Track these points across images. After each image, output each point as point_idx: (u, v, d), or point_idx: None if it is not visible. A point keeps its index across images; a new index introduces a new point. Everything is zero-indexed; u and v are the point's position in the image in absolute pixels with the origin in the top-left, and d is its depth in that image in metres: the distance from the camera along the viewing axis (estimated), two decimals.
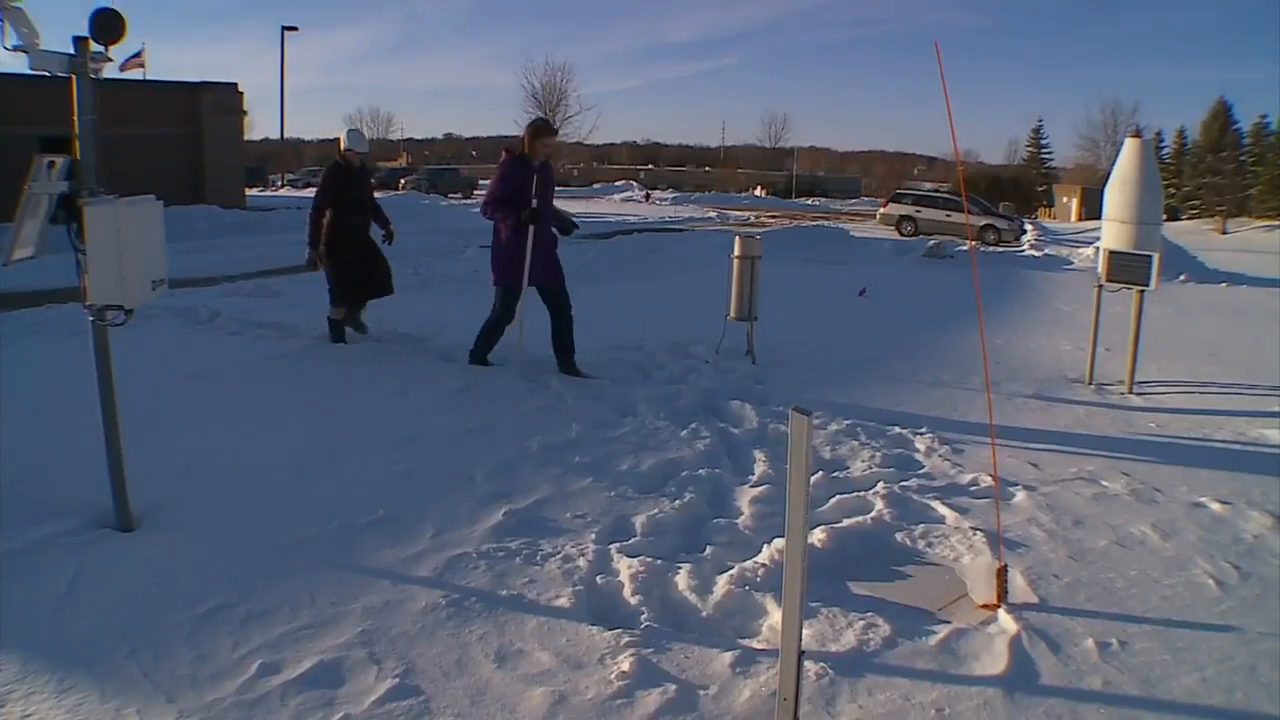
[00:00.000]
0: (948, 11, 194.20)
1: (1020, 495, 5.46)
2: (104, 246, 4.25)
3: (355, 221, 9.17)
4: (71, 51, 4.28)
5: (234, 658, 3.54)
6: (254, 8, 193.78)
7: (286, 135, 65.51)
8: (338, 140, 9.45)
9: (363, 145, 9.34)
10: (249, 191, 38.89)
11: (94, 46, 4.32)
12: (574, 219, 8.48)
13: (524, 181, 7.74)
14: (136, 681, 3.37)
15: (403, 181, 59.97)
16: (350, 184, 9.16)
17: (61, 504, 4.76)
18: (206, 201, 28.83)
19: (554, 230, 8.12)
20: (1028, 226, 37.63)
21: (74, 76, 4.30)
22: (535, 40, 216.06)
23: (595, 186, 74.54)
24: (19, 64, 4.25)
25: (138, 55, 30.41)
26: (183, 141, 32.04)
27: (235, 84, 34.48)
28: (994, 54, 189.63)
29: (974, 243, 31.73)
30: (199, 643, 3.64)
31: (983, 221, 34.95)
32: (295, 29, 53.40)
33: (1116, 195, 8.29)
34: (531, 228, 7.70)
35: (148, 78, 32.05)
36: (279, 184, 59.85)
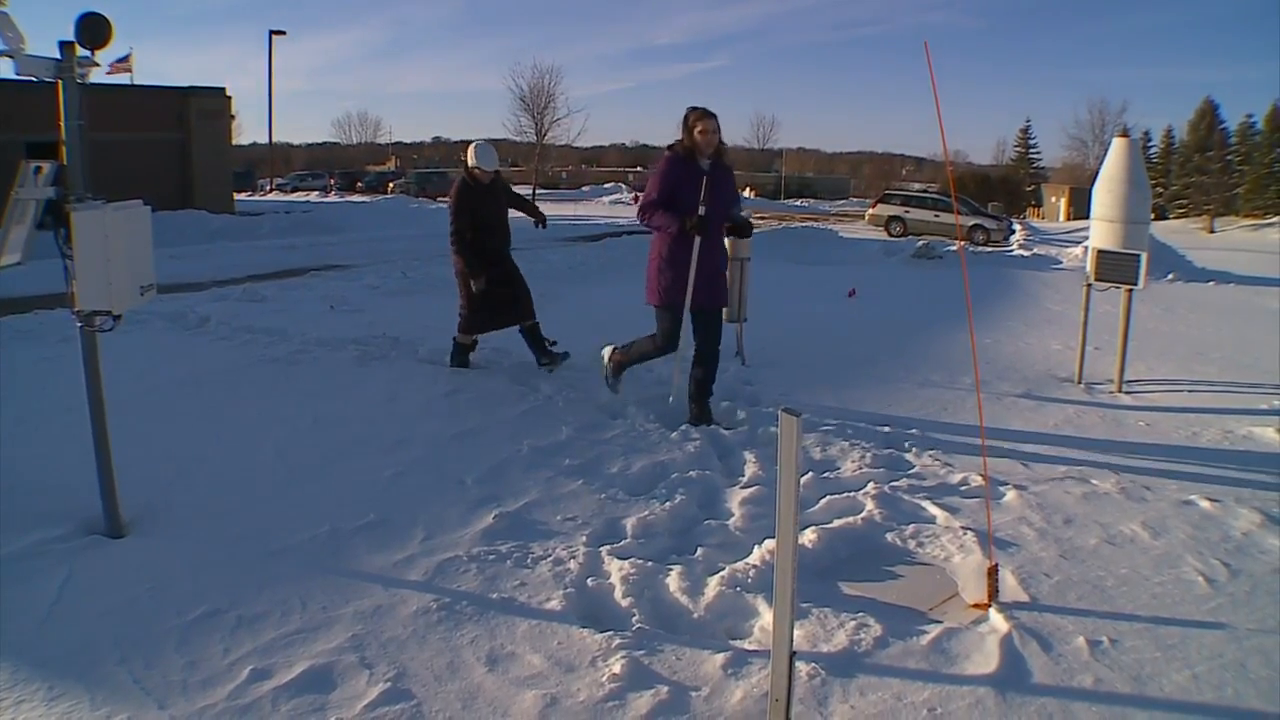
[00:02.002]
0: (935, 12, 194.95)
1: (1010, 494, 5.47)
2: (92, 252, 4.23)
3: (492, 242, 8.34)
4: (58, 56, 4.27)
5: (225, 664, 3.54)
6: (241, 12, 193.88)
7: (275, 139, 65.42)
8: (465, 155, 8.58)
9: (492, 163, 8.38)
10: (237, 196, 38.83)
11: (80, 51, 4.31)
12: (749, 220, 7.37)
13: (686, 182, 6.61)
14: (127, 688, 3.36)
15: (391, 185, 59.98)
16: (483, 202, 8.32)
17: (51, 510, 4.75)
18: (195, 206, 28.78)
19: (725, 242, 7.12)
20: (1016, 226, 37.82)
21: (60, 81, 4.29)
22: (523, 43, 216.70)
23: (584, 189, 74.53)
24: (5, 69, 4.24)
25: (125, 59, 30.39)
26: (170, 146, 31.99)
27: (223, 88, 34.51)
28: (982, 54, 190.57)
29: (963, 243, 31.81)
30: (190, 649, 3.63)
31: (971, 221, 35.11)
32: (283, 33, 53.46)
33: (1104, 194, 8.31)
34: (698, 239, 6.57)
35: (135, 82, 32.05)
36: (268, 188, 59.76)
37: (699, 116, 6.60)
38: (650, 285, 6.84)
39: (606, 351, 7.39)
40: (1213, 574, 4.47)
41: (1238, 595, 4.28)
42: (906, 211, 36.21)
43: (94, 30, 4.31)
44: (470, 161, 8.34)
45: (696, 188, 6.53)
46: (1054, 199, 70.74)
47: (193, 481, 5.37)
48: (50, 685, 3.35)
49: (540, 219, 8.85)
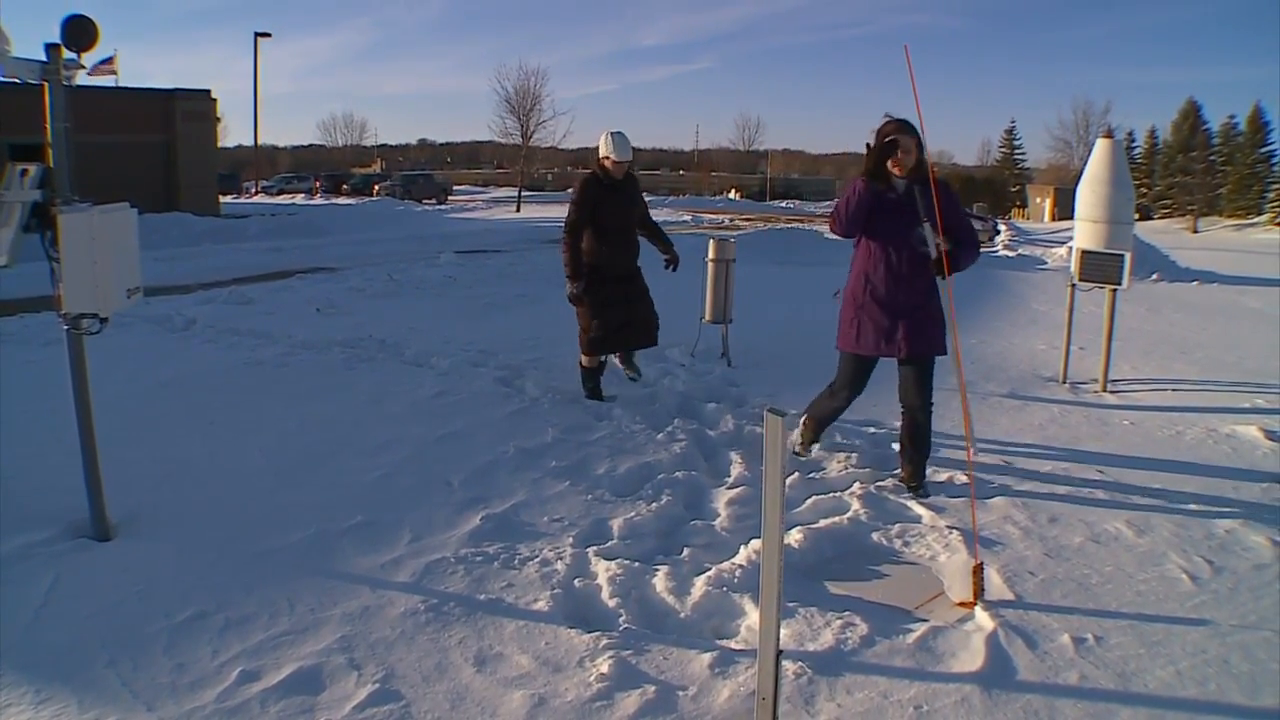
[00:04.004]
0: (921, 14, 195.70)
1: (995, 494, 5.49)
2: (78, 255, 4.23)
3: (615, 251, 7.21)
4: (44, 58, 4.26)
5: (213, 666, 3.54)
6: (227, 14, 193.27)
7: (260, 142, 65.25)
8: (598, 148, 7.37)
9: (627, 152, 7.20)
10: (223, 199, 38.72)
11: (66, 53, 4.31)
12: (960, 243, 5.47)
13: (877, 213, 5.47)
14: (115, 691, 3.36)
15: (377, 187, 59.89)
16: (610, 201, 7.18)
17: (37, 514, 4.73)
18: (180, 209, 28.70)
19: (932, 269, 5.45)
20: (1001, 227, 37.90)
21: (46, 84, 4.28)
22: (509, 45, 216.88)
23: (569, 191, 74.64)
24: None
25: (109, 60, 30.25)
26: (156, 149, 31.90)
27: (208, 90, 34.46)
28: (967, 56, 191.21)
29: (946, 245, 31.85)
30: (178, 651, 3.63)
31: None
32: (268, 35, 53.23)
33: (1088, 195, 8.36)
34: (883, 272, 5.55)
35: (120, 84, 31.92)
36: (253, 191, 59.61)
37: (894, 129, 5.33)
38: (839, 327, 5.86)
39: (795, 435, 6.17)
40: (1196, 571, 4.51)
41: (1220, 592, 4.32)
42: None
43: (80, 33, 4.31)
44: (601, 151, 7.26)
45: (891, 219, 5.46)
46: (1039, 199, 71.06)
47: (179, 484, 5.36)
48: (38, 689, 3.34)
49: (672, 258, 7.62)
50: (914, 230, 5.40)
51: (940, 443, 6.41)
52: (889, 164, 5.37)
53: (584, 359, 7.43)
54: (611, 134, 7.19)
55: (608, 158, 7.18)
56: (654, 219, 7.74)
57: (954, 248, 5.36)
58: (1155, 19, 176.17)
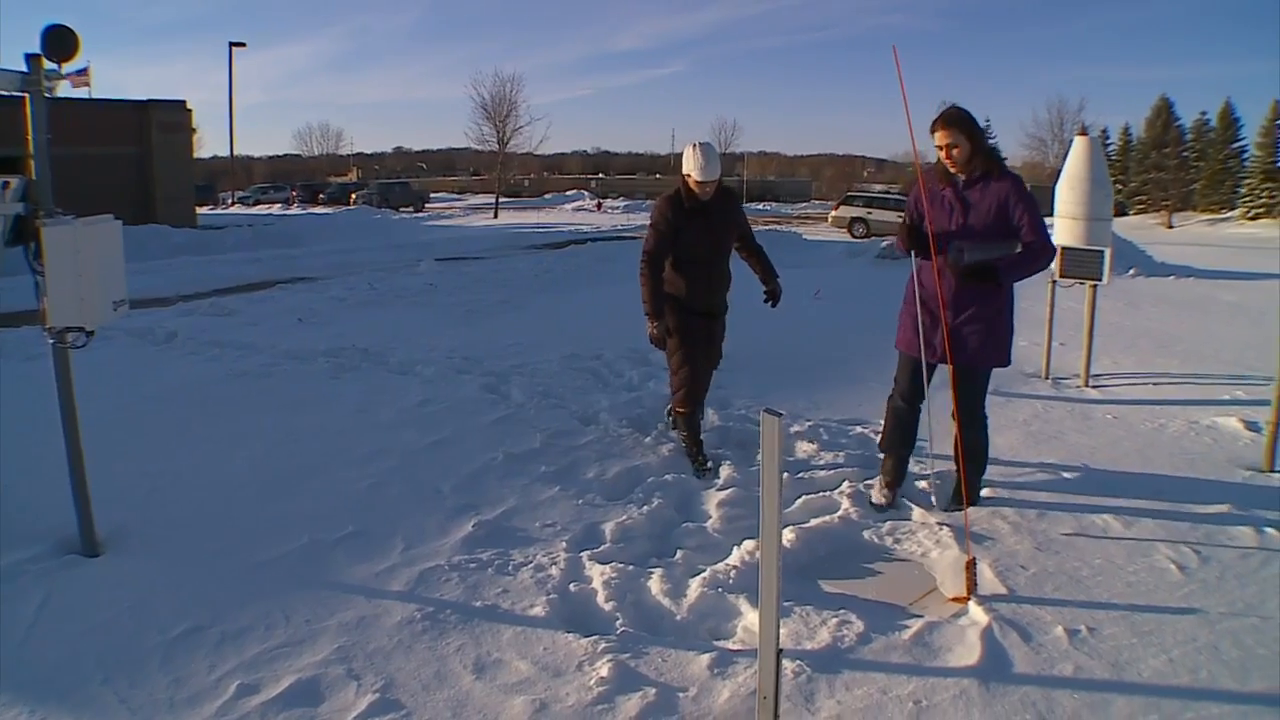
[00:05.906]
0: (892, 16, 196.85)
1: (984, 489, 5.51)
2: (63, 268, 4.20)
3: (695, 287, 6.06)
4: (24, 69, 4.24)
5: (210, 680, 3.52)
6: (200, 25, 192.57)
7: (236, 152, 65.00)
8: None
9: (714, 169, 5.80)
10: (200, 210, 38.55)
11: (47, 64, 4.29)
12: (995, 265, 5.08)
13: (931, 206, 5.12)
14: (113, 708, 3.34)
15: (354, 196, 59.78)
16: (692, 227, 5.91)
17: (25, 531, 4.70)
18: (157, 221, 28.54)
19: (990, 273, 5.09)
20: None
21: (27, 95, 4.26)
22: (483, 52, 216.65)
23: (547, 196, 74.83)
24: None
25: (83, 72, 30.09)
26: (131, 160, 31.74)
27: (183, 101, 34.32)
28: (940, 55, 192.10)
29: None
30: (174, 666, 3.61)
31: None
32: (243, 45, 53.23)
33: (1067, 193, 8.40)
34: (929, 271, 5.17)
35: (94, 96, 31.74)
36: (230, 202, 59.40)
37: (936, 125, 5.06)
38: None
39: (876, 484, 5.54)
40: (1184, 561, 4.55)
41: (1209, 581, 4.36)
42: (869, 213, 36.40)
43: (60, 43, 4.30)
44: (683, 166, 5.91)
45: (940, 214, 5.15)
46: None
47: (167, 498, 5.34)
48: (33, 709, 3.32)
49: (773, 291, 6.55)
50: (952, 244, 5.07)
51: (927, 439, 6.43)
52: (939, 153, 5.13)
53: (678, 408, 6.23)
54: (696, 145, 5.83)
55: (689, 175, 5.82)
56: (758, 243, 6.58)
57: (987, 262, 5.05)
58: (1127, 17, 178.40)
